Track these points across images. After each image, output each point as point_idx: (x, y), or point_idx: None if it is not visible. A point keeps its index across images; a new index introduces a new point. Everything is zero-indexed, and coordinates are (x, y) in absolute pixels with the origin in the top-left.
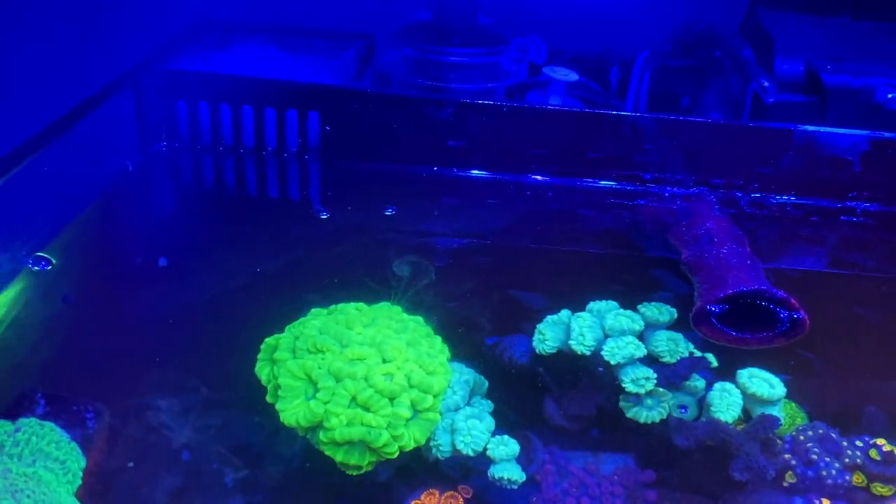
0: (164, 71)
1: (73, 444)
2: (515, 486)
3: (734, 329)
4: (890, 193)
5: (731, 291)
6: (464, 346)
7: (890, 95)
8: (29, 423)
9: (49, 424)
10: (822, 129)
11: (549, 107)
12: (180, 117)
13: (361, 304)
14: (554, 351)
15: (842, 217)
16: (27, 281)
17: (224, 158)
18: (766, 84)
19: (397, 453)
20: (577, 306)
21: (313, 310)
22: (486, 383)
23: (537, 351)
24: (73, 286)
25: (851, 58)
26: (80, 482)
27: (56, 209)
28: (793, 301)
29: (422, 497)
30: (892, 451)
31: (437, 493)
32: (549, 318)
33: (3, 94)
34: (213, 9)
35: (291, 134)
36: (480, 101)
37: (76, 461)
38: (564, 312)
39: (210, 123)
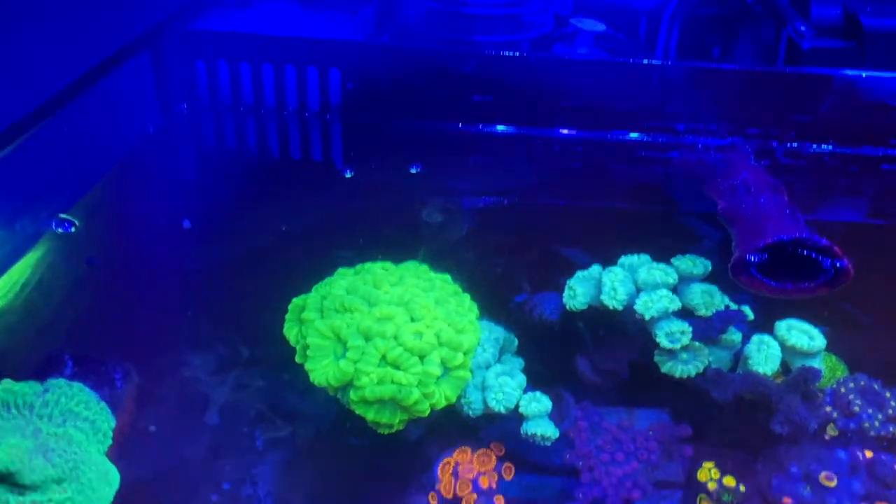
0: (183, 30)
1: (103, 404)
2: (548, 443)
3: (774, 279)
4: None
5: (770, 240)
6: (493, 303)
7: None
8: (58, 384)
9: (78, 385)
10: (864, 72)
11: (575, 57)
12: (199, 78)
13: (388, 263)
14: (585, 307)
15: (883, 165)
16: (51, 243)
17: (245, 119)
18: (802, 28)
19: (429, 411)
20: (609, 262)
21: (340, 269)
22: (517, 341)
23: (568, 307)
24: (98, 248)
25: None
26: (110, 441)
27: (77, 172)
28: (836, 249)
29: (454, 455)
30: None
31: (469, 450)
32: (580, 273)
33: (21, 55)
34: None
35: (313, 92)
36: (505, 53)
37: (106, 421)
38: (595, 267)
39: (230, 83)
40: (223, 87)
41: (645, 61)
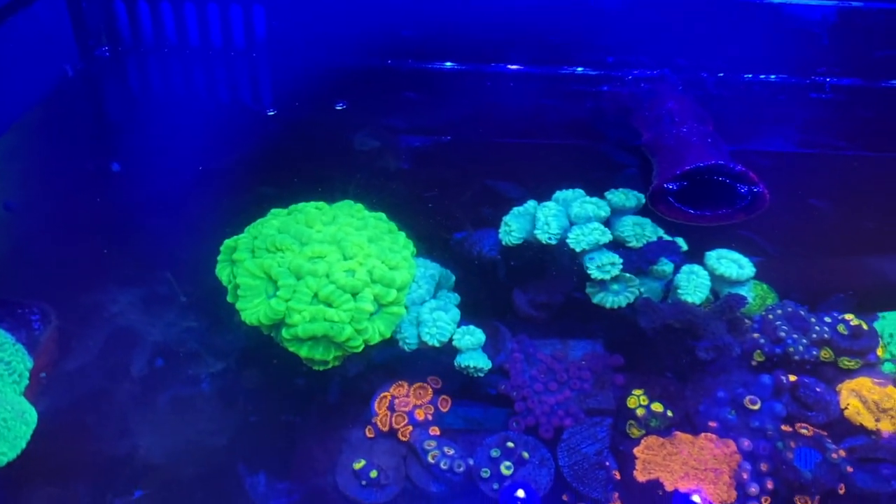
0: None
1: (19, 346)
2: (482, 374)
3: (695, 208)
4: (860, 66)
5: (687, 167)
6: (433, 241)
7: None
8: None
9: None
10: (790, 1)
11: None
12: (120, 19)
13: (321, 203)
14: (520, 242)
15: (811, 94)
16: None
17: (168, 60)
18: None
19: (362, 347)
20: (545, 197)
21: (273, 210)
22: (453, 277)
23: (503, 243)
24: (16, 192)
25: None
26: (26, 382)
27: None
28: (752, 175)
29: (391, 389)
30: (859, 326)
31: (406, 384)
32: (516, 209)
33: None
34: None
35: (237, 31)
36: None
37: (21, 362)
38: (530, 203)
39: (151, 24)
40: (145, 27)
41: None
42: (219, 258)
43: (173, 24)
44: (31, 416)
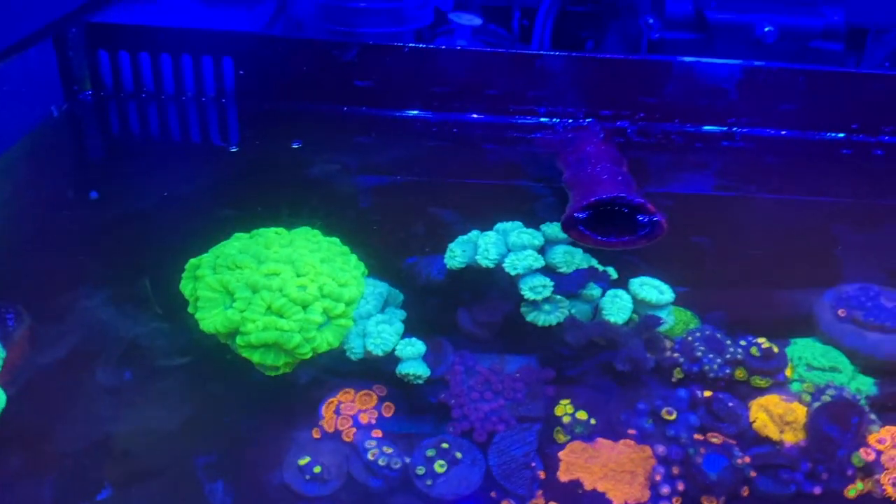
0: (87, 23)
1: None
2: (421, 381)
3: (604, 236)
4: (765, 118)
5: (592, 199)
6: (384, 265)
7: (767, 29)
8: None
9: None
10: (700, 59)
11: (443, 47)
12: (103, 67)
13: (281, 229)
14: (463, 265)
15: (723, 142)
16: None
17: (145, 104)
18: (650, 21)
19: (310, 354)
20: (487, 228)
21: (236, 234)
22: (402, 296)
23: (448, 266)
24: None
25: None
26: None
27: None
28: (649, 206)
29: (338, 395)
30: (770, 348)
31: (352, 391)
32: (460, 237)
33: None
34: None
35: (208, 79)
36: (383, 43)
37: None
38: (474, 232)
39: (131, 72)
40: (125, 75)
41: (505, 50)
42: (183, 275)
43: (150, 72)
44: (1, 398)
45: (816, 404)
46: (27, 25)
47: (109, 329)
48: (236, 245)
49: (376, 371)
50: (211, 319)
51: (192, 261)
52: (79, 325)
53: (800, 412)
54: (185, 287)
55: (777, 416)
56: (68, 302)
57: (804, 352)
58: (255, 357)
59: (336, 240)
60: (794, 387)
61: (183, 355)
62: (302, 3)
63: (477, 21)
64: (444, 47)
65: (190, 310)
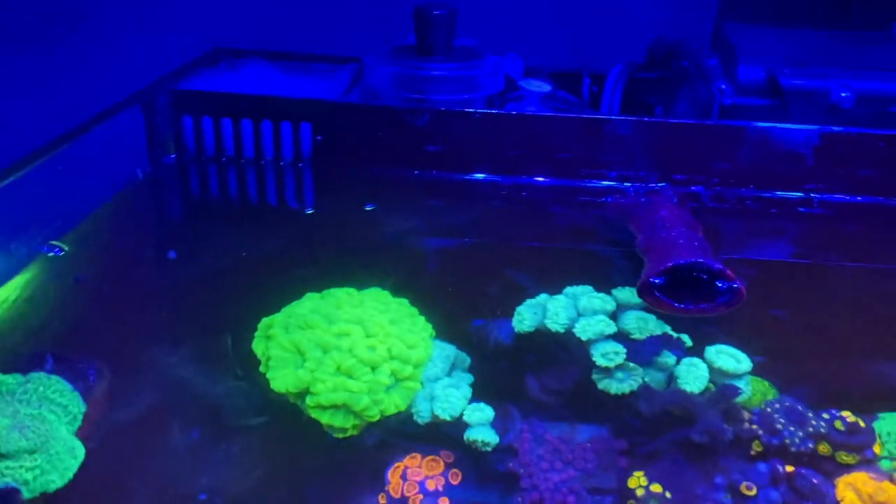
0: (171, 89)
1: (75, 393)
2: (489, 448)
3: (681, 302)
4: (843, 184)
5: (670, 264)
6: (453, 328)
7: (843, 94)
8: (38, 376)
9: (55, 377)
10: (776, 125)
11: (514, 112)
12: (186, 131)
13: (351, 289)
14: (532, 330)
15: (800, 208)
16: (42, 265)
17: (226, 168)
18: (723, 87)
19: (378, 416)
20: (557, 293)
21: (308, 294)
22: (469, 360)
23: (516, 330)
24: (85, 269)
25: (809, 63)
26: (79, 423)
27: (70, 206)
28: (728, 272)
29: (405, 460)
30: (856, 422)
31: (419, 456)
32: (529, 301)
33: (37, 101)
34: (233, 37)
35: (287, 144)
36: (453, 109)
37: (77, 406)
38: (542, 296)
39: (213, 137)
40: (207, 140)
41: (576, 115)
42: (256, 334)
43: (231, 137)
44: (80, 451)
45: None
46: (119, 93)
47: (186, 387)
48: (308, 305)
49: (443, 436)
50: (282, 379)
51: (265, 320)
52: (156, 382)
53: (892, 492)
54: (258, 346)
55: (867, 496)
56: (147, 359)
57: (893, 427)
58: (325, 418)
59: (405, 301)
60: (884, 464)
61: (256, 415)
62: (377, 71)
63: (546, 88)
64: (513, 112)
65: (262, 369)
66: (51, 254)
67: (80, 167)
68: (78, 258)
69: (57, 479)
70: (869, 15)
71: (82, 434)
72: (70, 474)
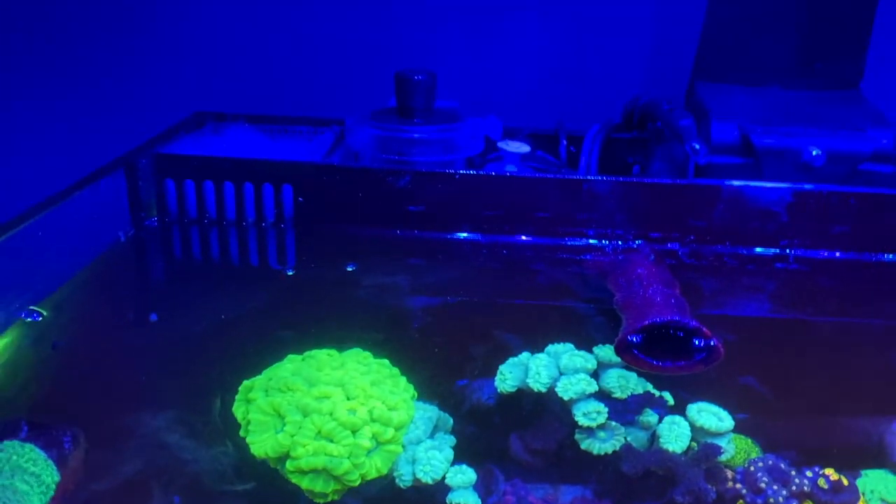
0: (154, 153)
1: (49, 462)
2: None
3: (660, 360)
4: (817, 240)
5: (646, 322)
6: (435, 388)
7: (815, 153)
8: (11, 445)
9: (29, 445)
10: (749, 183)
11: (493, 173)
12: (169, 194)
13: (332, 350)
14: (514, 390)
15: (777, 264)
16: (19, 331)
17: (208, 230)
18: (696, 146)
19: (359, 481)
20: (539, 350)
21: (289, 356)
22: (451, 420)
23: (498, 390)
24: (63, 335)
25: (780, 122)
26: (52, 493)
27: (50, 271)
28: (705, 330)
29: None
30: (839, 480)
31: None
32: (510, 359)
33: (20, 167)
34: (217, 101)
35: (268, 206)
36: (433, 170)
37: (50, 475)
38: (524, 354)
39: (195, 200)
40: (189, 202)
41: (552, 176)
42: (237, 397)
43: (213, 199)
44: None
45: None
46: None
47: (166, 453)
48: (289, 367)
49: (426, 499)
50: (262, 443)
51: (246, 383)
52: (135, 448)
53: None
54: (238, 409)
55: None
56: (125, 425)
57: (877, 485)
58: (305, 483)
59: (386, 361)
60: None
61: (235, 481)
62: (359, 134)
63: (525, 148)
64: (493, 173)
65: (242, 433)
66: (28, 319)
67: (60, 231)
68: (56, 323)
69: None
70: (836, 74)
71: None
72: None
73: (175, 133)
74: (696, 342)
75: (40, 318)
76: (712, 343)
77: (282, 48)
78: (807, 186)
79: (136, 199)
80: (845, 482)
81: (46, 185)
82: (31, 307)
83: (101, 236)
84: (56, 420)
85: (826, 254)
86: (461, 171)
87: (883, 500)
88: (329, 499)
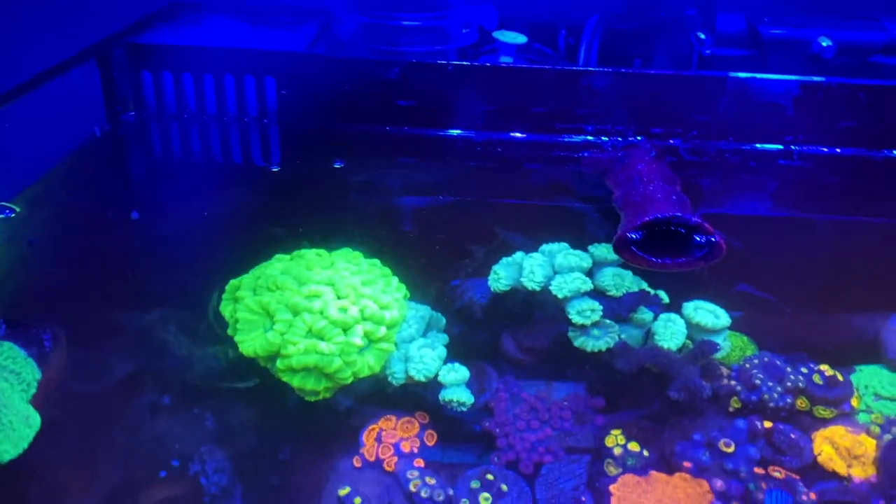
0: (128, 43)
1: (29, 359)
2: (464, 408)
3: (659, 257)
4: (823, 136)
5: (647, 218)
6: (429, 288)
7: (825, 44)
8: None
9: (7, 343)
10: (755, 75)
11: (487, 64)
12: (146, 87)
13: (322, 250)
14: (508, 289)
15: (780, 161)
16: None
17: (188, 125)
18: (702, 37)
19: (351, 379)
20: (533, 250)
21: (277, 255)
22: (444, 320)
23: (492, 289)
24: (40, 232)
25: (789, 12)
26: (34, 390)
27: (22, 165)
28: (706, 226)
29: (379, 422)
30: (834, 376)
31: (394, 418)
32: (504, 259)
33: None
34: None
35: (250, 99)
36: (425, 62)
37: (31, 373)
38: (518, 254)
39: (174, 92)
40: (168, 96)
41: (550, 67)
42: (224, 296)
43: (193, 93)
44: (35, 420)
45: (887, 437)
46: (72, 45)
47: (149, 351)
48: (277, 266)
49: (418, 397)
50: (250, 342)
51: (233, 282)
52: (118, 347)
53: (868, 445)
54: (225, 308)
55: (844, 449)
56: (105, 323)
57: (871, 380)
58: (296, 381)
59: (377, 261)
60: (862, 418)
61: (221, 379)
62: (345, 23)
63: (521, 39)
64: (488, 64)
65: (229, 332)
66: (1, 215)
67: (30, 125)
68: (32, 220)
69: (10, 449)
70: None
71: (38, 402)
72: (24, 444)
73: (150, 23)
74: (698, 239)
75: (13, 215)
76: (714, 239)
77: None
78: (815, 78)
79: (112, 92)
80: (840, 377)
81: (12, 74)
82: (3, 203)
83: (76, 131)
84: (35, 319)
85: (831, 150)
86: (454, 62)
87: (877, 394)
88: (321, 396)
